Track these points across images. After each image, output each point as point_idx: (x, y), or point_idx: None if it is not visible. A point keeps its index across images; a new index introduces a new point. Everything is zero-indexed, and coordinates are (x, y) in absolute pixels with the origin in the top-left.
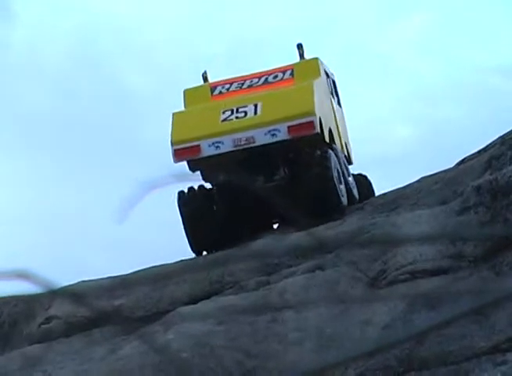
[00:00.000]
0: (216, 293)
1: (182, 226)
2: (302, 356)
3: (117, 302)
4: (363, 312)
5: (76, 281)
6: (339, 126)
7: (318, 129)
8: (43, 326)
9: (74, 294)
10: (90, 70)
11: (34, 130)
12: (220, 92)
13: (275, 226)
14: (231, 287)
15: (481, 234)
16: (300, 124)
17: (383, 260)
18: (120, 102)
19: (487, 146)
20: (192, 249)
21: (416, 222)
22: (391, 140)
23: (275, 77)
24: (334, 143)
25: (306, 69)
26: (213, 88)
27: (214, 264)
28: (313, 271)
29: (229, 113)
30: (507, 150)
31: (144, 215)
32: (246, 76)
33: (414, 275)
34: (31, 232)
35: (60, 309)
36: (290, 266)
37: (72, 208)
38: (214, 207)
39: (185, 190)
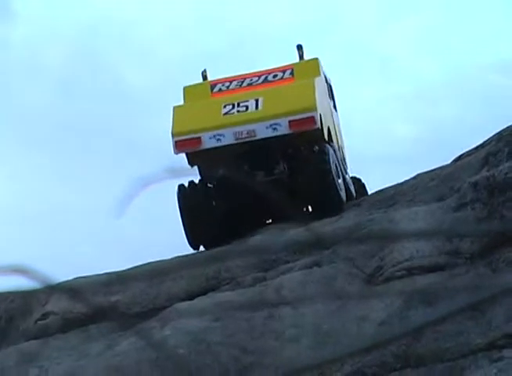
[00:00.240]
0: (213, 289)
1: (181, 220)
2: (299, 352)
3: (113, 298)
4: (360, 308)
5: (72, 277)
6: (336, 129)
7: (318, 125)
8: (40, 322)
9: (71, 289)
10: (90, 67)
11: (34, 128)
12: (220, 90)
13: (273, 222)
14: (228, 283)
15: (478, 230)
16: (301, 119)
17: (379, 256)
18: (120, 99)
19: (484, 142)
20: (190, 244)
21: (412, 218)
22: (391, 138)
23: (275, 76)
24: (332, 142)
25: (306, 68)
26: (213, 85)
27: (210, 260)
28: (310, 267)
29: (231, 107)
30: (504, 146)
31: (141, 210)
32: (246, 74)
33: (411, 271)
34: (28, 227)
35: (57, 304)
36: (287, 262)
37: (69, 204)
38: (214, 203)
39: (186, 184)
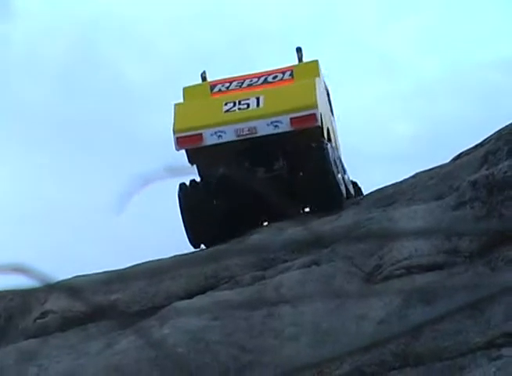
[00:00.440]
0: (211, 288)
1: (181, 219)
2: (298, 350)
3: (113, 297)
4: (359, 307)
5: (72, 276)
6: (334, 133)
7: (319, 122)
8: (39, 320)
9: (70, 288)
10: (90, 63)
11: (33, 124)
12: (219, 90)
13: (273, 220)
14: (226, 282)
15: (477, 229)
16: (302, 117)
17: (378, 255)
18: (120, 95)
19: (483, 141)
20: (191, 242)
21: (411, 217)
22: (390, 137)
23: (275, 77)
24: (331, 141)
25: (306, 70)
26: (212, 86)
27: (209, 259)
28: (309, 266)
29: (232, 104)
30: (504, 145)
31: (140, 209)
32: (246, 75)
33: (410, 270)
34: (27, 226)
35: (56, 303)
36: (286, 261)
37: (68, 202)
38: (214, 202)
39: (187, 183)
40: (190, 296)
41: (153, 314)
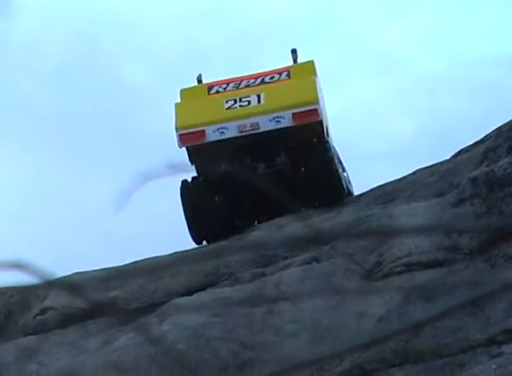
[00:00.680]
0: (211, 284)
1: (184, 215)
2: (298, 347)
3: (112, 294)
4: (359, 304)
5: (71, 272)
6: (330, 134)
7: (321, 117)
8: (38, 317)
9: (70, 285)
10: (90, 62)
11: (34, 123)
12: (217, 91)
13: (275, 216)
14: (226, 279)
15: (477, 226)
16: (304, 112)
17: (378, 252)
18: (119, 93)
19: (483, 137)
20: (193, 239)
21: (412, 214)
22: (390, 133)
23: (272, 77)
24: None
25: (302, 70)
26: (210, 87)
27: (209, 255)
28: (309, 263)
29: (233, 102)
30: (504, 141)
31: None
32: (243, 77)
33: (410, 267)
34: (27, 222)
35: (56, 300)
36: (286, 258)
37: (68, 199)
38: (216, 198)
39: (189, 180)
40: (190, 293)
41: (152, 311)
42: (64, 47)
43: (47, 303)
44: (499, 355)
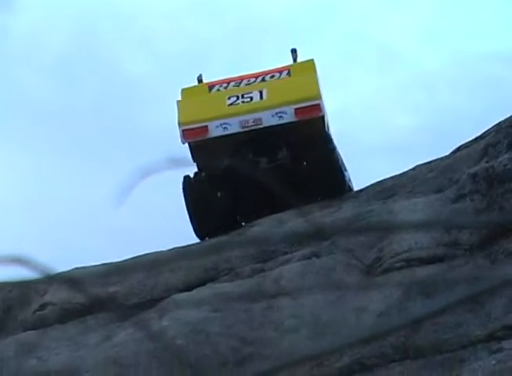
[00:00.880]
0: (211, 280)
1: (186, 211)
2: (298, 342)
3: (111, 289)
4: (359, 299)
5: (71, 267)
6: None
7: (324, 112)
8: (38, 312)
9: (70, 280)
10: (90, 56)
11: (33, 117)
12: (218, 90)
13: (277, 211)
14: (226, 274)
15: (477, 222)
16: (306, 107)
17: (378, 248)
18: (119, 88)
19: (483, 133)
20: (196, 234)
21: (411, 209)
22: (391, 128)
23: (273, 76)
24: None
25: (303, 68)
26: (210, 87)
27: (209, 251)
28: (309, 258)
29: (235, 98)
30: (504, 137)
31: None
32: (243, 76)
33: (410, 263)
34: (27, 217)
35: (55, 295)
36: (286, 253)
37: (68, 194)
38: (219, 194)
39: (191, 175)
40: (189, 288)
41: (151, 306)
42: (64, 40)
43: (47, 298)
44: (499, 351)
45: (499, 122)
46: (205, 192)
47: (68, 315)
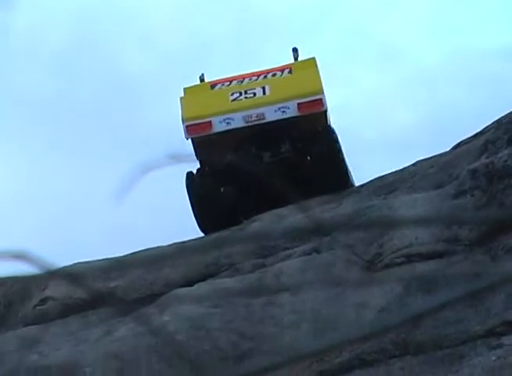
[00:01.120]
0: (212, 275)
1: (190, 206)
2: (298, 338)
3: (112, 284)
4: (359, 295)
5: (72, 262)
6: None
7: (326, 106)
8: (38, 307)
9: (70, 275)
10: (90, 52)
11: (34, 114)
12: (220, 89)
13: (279, 206)
14: (227, 270)
15: (477, 218)
16: (309, 102)
17: (379, 243)
18: (120, 84)
19: (483, 129)
20: (201, 229)
21: (412, 205)
22: (392, 123)
23: (274, 75)
24: None
25: (305, 66)
26: (213, 85)
27: (209, 246)
28: (309, 254)
29: (238, 94)
30: (503, 133)
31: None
32: (245, 74)
33: (410, 258)
34: (28, 213)
35: (56, 290)
36: (287, 249)
37: (69, 190)
38: (222, 189)
39: (194, 171)
40: (190, 283)
41: (152, 301)
42: (65, 37)
43: (47, 293)
44: (499, 346)
45: (499, 118)
46: (208, 187)
47: (69, 310)
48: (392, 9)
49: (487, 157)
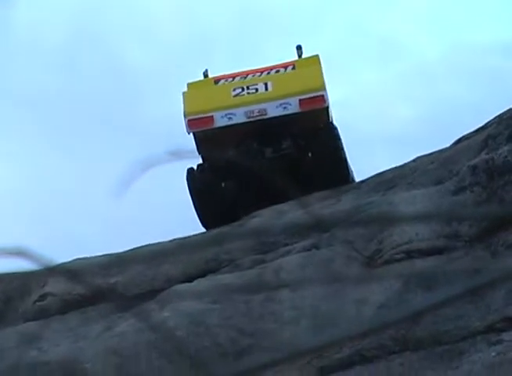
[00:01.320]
0: (212, 271)
1: (191, 202)
2: (298, 334)
3: (112, 280)
4: (359, 291)
5: (71, 258)
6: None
7: (328, 103)
8: (38, 303)
9: (70, 271)
10: (91, 48)
11: (36, 107)
12: (223, 84)
13: (279, 202)
14: (226, 266)
15: (477, 214)
16: (311, 98)
17: (378, 239)
18: (121, 78)
19: (483, 125)
20: (203, 224)
21: (411, 201)
22: (392, 119)
23: (278, 71)
24: None
25: (308, 63)
26: (216, 81)
27: (209, 242)
28: (309, 250)
29: (240, 90)
30: (504, 129)
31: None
32: (249, 71)
33: (410, 254)
34: (28, 209)
35: (56, 286)
36: (286, 245)
37: (69, 186)
38: (223, 184)
39: (195, 167)
40: (190, 279)
41: (152, 297)
42: (66, 31)
43: (47, 289)
44: (499, 342)
45: (500, 114)
46: (209, 183)
47: (68, 306)
48: (392, 5)
49: (487, 153)
